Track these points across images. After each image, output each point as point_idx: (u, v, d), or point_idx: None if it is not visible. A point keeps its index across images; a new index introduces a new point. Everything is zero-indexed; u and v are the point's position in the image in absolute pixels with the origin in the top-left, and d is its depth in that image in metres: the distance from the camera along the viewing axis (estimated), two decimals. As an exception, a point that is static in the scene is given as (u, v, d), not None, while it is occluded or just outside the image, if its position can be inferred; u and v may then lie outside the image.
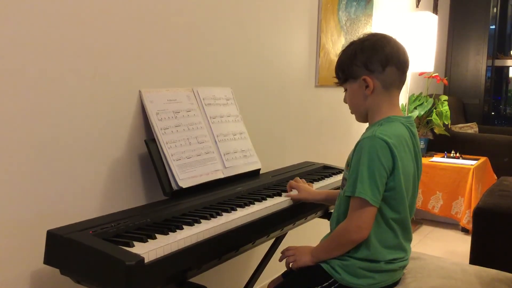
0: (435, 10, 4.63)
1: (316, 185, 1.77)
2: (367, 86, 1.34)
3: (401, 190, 1.28)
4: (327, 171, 2.04)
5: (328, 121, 2.88)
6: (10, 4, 1.25)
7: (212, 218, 1.33)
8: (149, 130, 1.57)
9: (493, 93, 5.48)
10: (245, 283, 1.99)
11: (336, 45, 2.80)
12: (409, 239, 1.39)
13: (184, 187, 1.52)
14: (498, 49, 5.33)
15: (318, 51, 2.66)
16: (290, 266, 1.42)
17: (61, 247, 1.14)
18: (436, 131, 3.80)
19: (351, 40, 1.42)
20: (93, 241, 1.11)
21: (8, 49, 1.26)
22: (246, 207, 1.45)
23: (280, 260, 1.46)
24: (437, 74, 3.91)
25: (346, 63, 1.38)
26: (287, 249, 1.44)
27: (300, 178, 1.69)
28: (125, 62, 1.56)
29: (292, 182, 1.65)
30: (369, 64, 1.33)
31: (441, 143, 4.00)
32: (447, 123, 3.81)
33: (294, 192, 1.62)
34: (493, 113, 5.54)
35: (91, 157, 1.48)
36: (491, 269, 1.51)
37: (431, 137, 3.92)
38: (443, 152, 3.92)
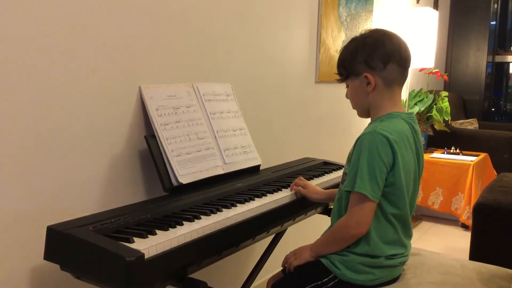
0: (435, 5, 4.62)
1: (316, 181, 1.76)
2: (368, 83, 1.34)
3: (401, 186, 1.29)
4: (327, 167, 2.04)
5: (328, 117, 2.87)
6: (9, 1, 1.25)
7: (212, 214, 1.33)
8: (149, 126, 1.57)
9: (494, 89, 5.47)
10: (245, 278, 1.99)
11: (336, 41, 2.80)
12: (409, 235, 1.39)
13: (184, 183, 1.52)
14: (498, 45, 5.33)
15: (319, 47, 2.66)
16: (288, 266, 1.42)
17: (61, 242, 1.14)
18: (436, 127, 3.80)
19: (352, 36, 1.41)
20: (93, 236, 1.11)
21: (7, 46, 1.26)
22: (246, 203, 1.45)
23: (282, 265, 1.46)
24: (437, 70, 3.90)
25: (347, 60, 1.38)
26: (287, 256, 1.45)
27: (301, 175, 1.69)
28: (125, 58, 1.56)
29: (298, 181, 1.65)
30: (370, 61, 1.33)
31: (441, 139, 4.00)
32: (447, 119, 3.81)
33: (302, 189, 1.62)
34: (493, 109, 5.54)
35: (91, 153, 1.48)
36: (491, 265, 1.51)
37: (431, 133, 3.92)
38: (443, 148, 3.92)
